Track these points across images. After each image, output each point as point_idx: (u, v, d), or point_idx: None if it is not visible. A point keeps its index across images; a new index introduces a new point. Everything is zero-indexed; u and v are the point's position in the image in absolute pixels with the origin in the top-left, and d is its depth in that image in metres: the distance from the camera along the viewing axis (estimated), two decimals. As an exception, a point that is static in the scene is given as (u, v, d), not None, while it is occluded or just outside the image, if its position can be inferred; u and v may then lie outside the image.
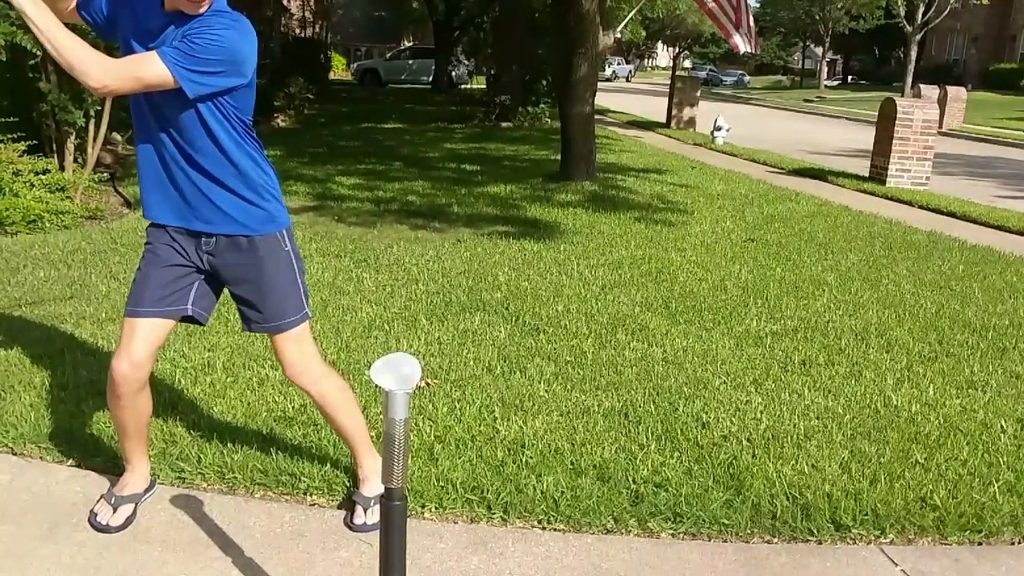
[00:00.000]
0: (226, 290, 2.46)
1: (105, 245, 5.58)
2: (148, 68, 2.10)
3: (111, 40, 2.34)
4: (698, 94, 17.91)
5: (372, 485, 2.57)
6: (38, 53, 6.23)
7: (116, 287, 4.59)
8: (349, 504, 2.57)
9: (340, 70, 38.55)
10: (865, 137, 13.66)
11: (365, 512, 2.52)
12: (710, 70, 60.42)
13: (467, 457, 2.85)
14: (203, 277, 2.39)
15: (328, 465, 2.75)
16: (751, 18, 9.03)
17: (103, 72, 2.08)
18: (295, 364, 2.44)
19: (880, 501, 2.68)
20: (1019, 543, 2.56)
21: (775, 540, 2.53)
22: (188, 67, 2.10)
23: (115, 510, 2.46)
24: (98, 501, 2.52)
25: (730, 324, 4.43)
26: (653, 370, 3.73)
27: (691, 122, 17.37)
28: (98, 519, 2.45)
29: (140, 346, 2.32)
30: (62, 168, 6.81)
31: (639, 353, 3.94)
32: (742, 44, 8.90)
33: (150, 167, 2.31)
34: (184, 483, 2.68)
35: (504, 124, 16.95)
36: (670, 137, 16.03)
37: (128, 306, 2.34)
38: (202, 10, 2.13)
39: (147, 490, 2.58)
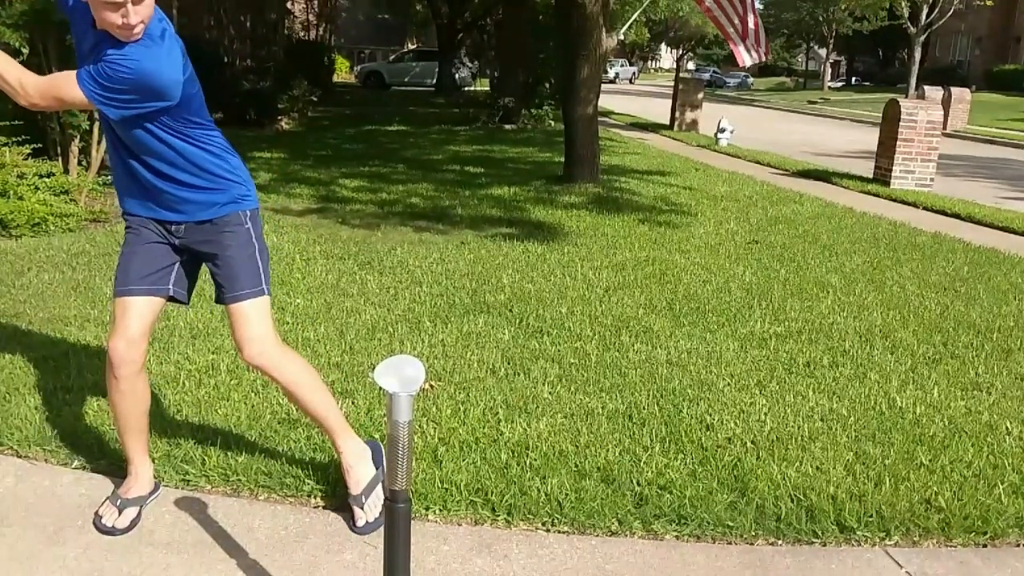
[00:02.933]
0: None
1: (109, 247, 5.59)
2: (66, 89, 2.15)
3: None
4: (701, 96, 17.90)
5: (358, 475, 2.55)
6: (24, 51, 6.25)
7: (120, 290, 4.59)
8: (346, 508, 2.57)
9: (344, 73, 38.62)
10: (869, 139, 13.65)
11: (363, 510, 2.51)
12: (714, 72, 60.41)
13: (471, 459, 2.85)
14: (181, 259, 2.48)
15: (332, 467, 2.75)
16: (760, 26, 8.90)
17: (27, 90, 2.14)
18: (252, 342, 2.43)
19: (885, 503, 2.68)
20: (1025, 545, 2.56)
21: (779, 542, 2.52)
22: (102, 93, 2.12)
23: (120, 512, 2.47)
24: (103, 504, 2.52)
25: (734, 326, 4.43)
26: (657, 372, 3.72)
27: (694, 124, 17.36)
28: (103, 521, 2.45)
29: (134, 323, 2.36)
30: (66, 171, 6.83)
31: (643, 355, 3.94)
32: (747, 57, 8.83)
33: (117, 167, 2.41)
34: (188, 485, 2.68)
35: (507, 126, 16.96)
36: (674, 139, 16.04)
37: (117, 287, 2.40)
38: (133, 39, 2.12)
39: (151, 493, 2.58)
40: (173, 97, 2.18)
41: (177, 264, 2.47)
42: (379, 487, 2.56)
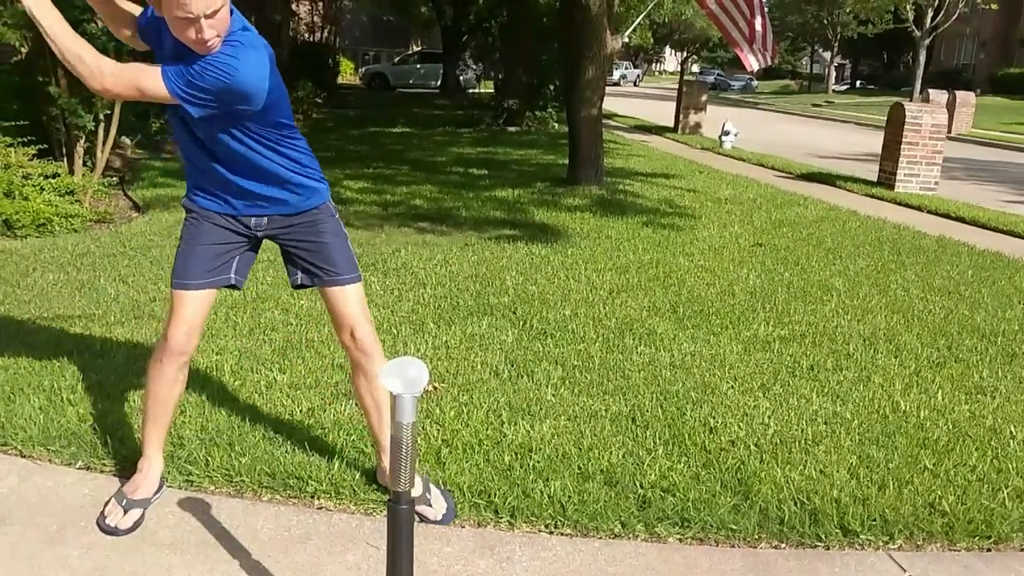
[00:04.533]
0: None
1: (114, 248, 5.60)
2: (148, 80, 2.15)
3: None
4: (705, 98, 17.89)
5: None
6: (22, 50, 6.27)
7: (125, 290, 4.60)
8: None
9: (348, 74, 38.66)
10: (873, 142, 13.63)
11: (432, 507, 2.56)
12: (718, 74, 60.32)
13: (474, 461, 2.85)
14: (247, 247, 2.54)
15: (335, 469, 2.76)
16: (768, 27, 8.84)
17: (104, 75, 2.13)
18: (363, 323, 2.53)
19: (888, 507, 2.67)
20: (1029, 550, 2.55)
21: (783, 545, 2.52)
22: (187, 91, 2.14)
23: (125, 512, 2.47)
24: (107, 503, 2.52)
25: (738, 329, 4.42)
26: (661, 375, 3.72)
27: (698, 126, 17.35)
28: (107, 521, 2.45)
29: (195, 314, 2.46)
30: (71, 172, 6.84)
31: (647, 357, 3.93)
32: (754, 62, 8.77)
33: (191, 164, 2.45)
34: (192, 486, 2.68)
35: (511, 128, 16.96)
36: (678, 141, 16.03)
37: (177, 278, 2.46)
38: (210, 52, 2.14)
39: (156, 492, 2.59)
40: (258, 103, 2.22)
41: (240, 252, 2.53)
42: (426, 480, 2.63)
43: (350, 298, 2.52)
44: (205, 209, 2.46)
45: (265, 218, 2.47)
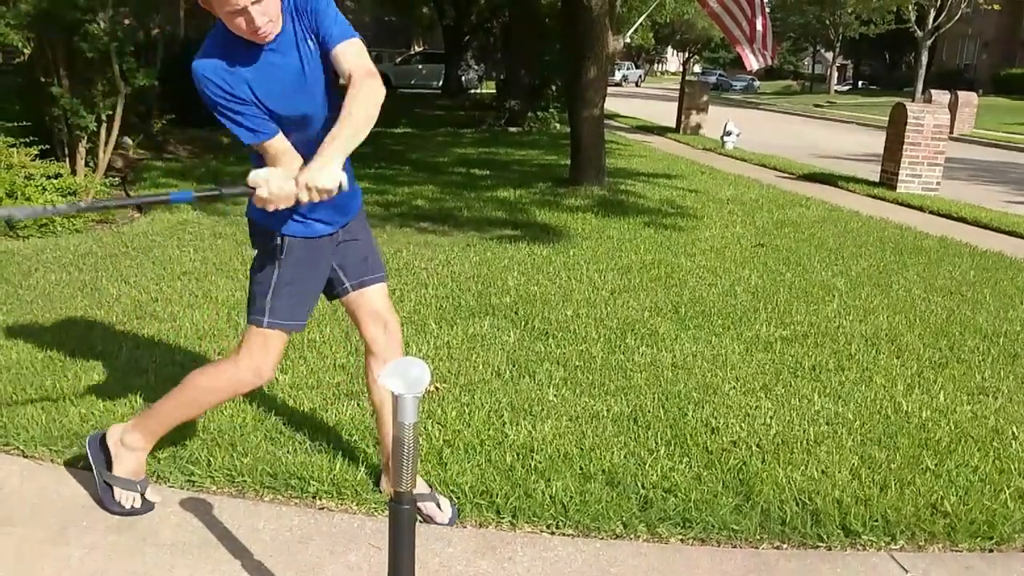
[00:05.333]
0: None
1: (116, 248, 5.61)
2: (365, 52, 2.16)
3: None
4: (706, 99, 17.89)
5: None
6: (25, 51, 6.28)
7: (127, 290, 4.61)
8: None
9: (350, 75, 38.59)
10: (875, 142, 13.63)
11: (441, 508, 2.57)
12: (720, 75, 60.27)
13: (476, 461, 2.85)
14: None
15: (337, 469, 2.76)
16: (769, 27, 8.86)
17: (380, 87, 2.11)
18: (388, 308, 2.54)
19: (890, 507, 2.67)
20: (1031, 550, 2.55)
21: (785, 546, 2.52)
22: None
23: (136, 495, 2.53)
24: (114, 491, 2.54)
25: (740, 329, 4.42)
26: (662, 375, 3.72)
27: (700, 127, 17.34)
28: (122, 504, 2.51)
29: (279, 358, 2.39)
30: (74, 172, 6.85)
31: (648, 358, 3.93)
32: (754, 61, 8.79)
33: None
34: (194, 486, 2.69)
35: (513, 129, 16.98)
36: (679, 142, 16.03)
37: (288, 320, 2.33)
38: (268, 39, 2.10)
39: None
40: None
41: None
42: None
43: (386, 290, 2.54)
44: (319, 236, 2.32)
45: (349, 220, 2.41)
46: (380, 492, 2.66)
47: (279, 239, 2.27)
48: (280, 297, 2.30)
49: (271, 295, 2.30)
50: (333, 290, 2.49)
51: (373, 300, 2.49)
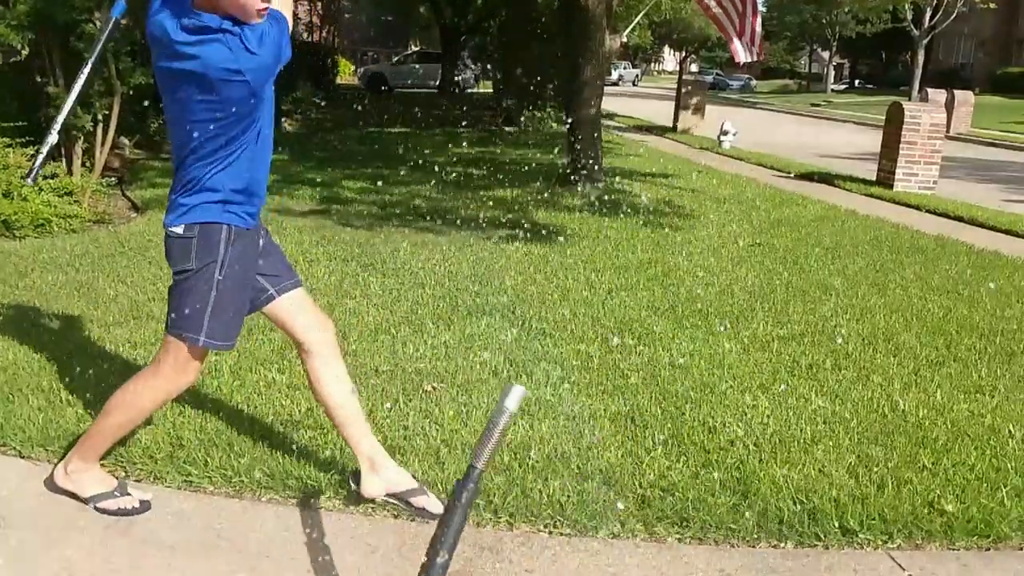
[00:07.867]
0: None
1: (113, 249, 5.60)
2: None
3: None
4: (703, 98, 17.89)
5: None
6: (23, 51, 6.27)
7: (124, 290, 4.60)
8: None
9: (347, 75, 38.62)
10: (872, 141, 13.63)
11: (428, 496, 2.57)
12: (717, 74, 60.27)
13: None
14: None
15: (335, 469, 2.76)
16: (758, 24, 8.95)
17: None
18: (317, 311, 2.58)
19: (888, 506, 2.67)
20: (1028, 548, 2.55)
21: (782, 545, 2.52)
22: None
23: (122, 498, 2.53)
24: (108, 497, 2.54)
25: (737, 328, 4.42)
26: (659, 374, 3.72)
27: (697, 126, 17.35)
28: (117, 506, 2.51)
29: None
30: (70, 172, 6.84)
31: (645, 357, 3.93)
32: (742, 53, 8.87)
33: (254, 175, 2.33)
34: (191, 486, 2.68)
35: (510, 128, 16.97)
36: (676, 141, 16.04)
37: (219, 340, 2.34)
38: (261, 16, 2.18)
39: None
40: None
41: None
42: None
43: (307, 294, 2.55)
44: (253, 229, 2.36)
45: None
46: (355, 491, 2.59)
47: (224, 230, 2.25)
48: (218, 316, 2.29)
49: (210, 314, 2.28)
50: (258, 299, 2.45)
51: (302, 302, 2.51)
